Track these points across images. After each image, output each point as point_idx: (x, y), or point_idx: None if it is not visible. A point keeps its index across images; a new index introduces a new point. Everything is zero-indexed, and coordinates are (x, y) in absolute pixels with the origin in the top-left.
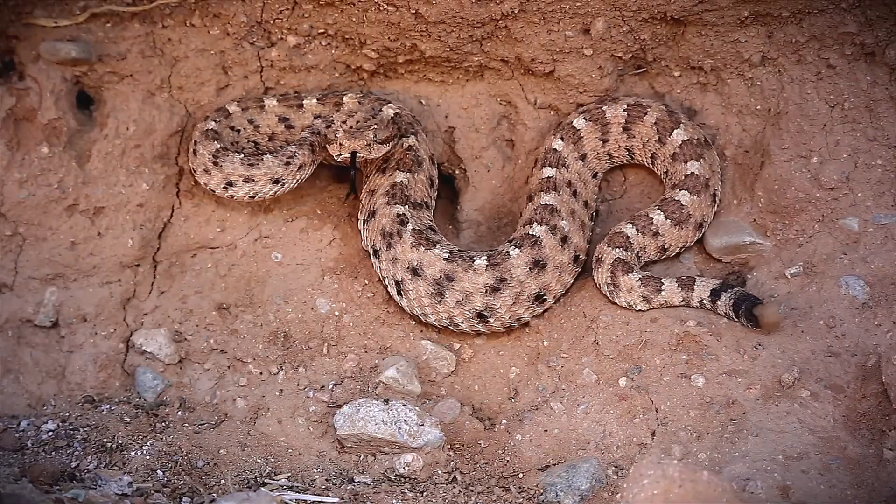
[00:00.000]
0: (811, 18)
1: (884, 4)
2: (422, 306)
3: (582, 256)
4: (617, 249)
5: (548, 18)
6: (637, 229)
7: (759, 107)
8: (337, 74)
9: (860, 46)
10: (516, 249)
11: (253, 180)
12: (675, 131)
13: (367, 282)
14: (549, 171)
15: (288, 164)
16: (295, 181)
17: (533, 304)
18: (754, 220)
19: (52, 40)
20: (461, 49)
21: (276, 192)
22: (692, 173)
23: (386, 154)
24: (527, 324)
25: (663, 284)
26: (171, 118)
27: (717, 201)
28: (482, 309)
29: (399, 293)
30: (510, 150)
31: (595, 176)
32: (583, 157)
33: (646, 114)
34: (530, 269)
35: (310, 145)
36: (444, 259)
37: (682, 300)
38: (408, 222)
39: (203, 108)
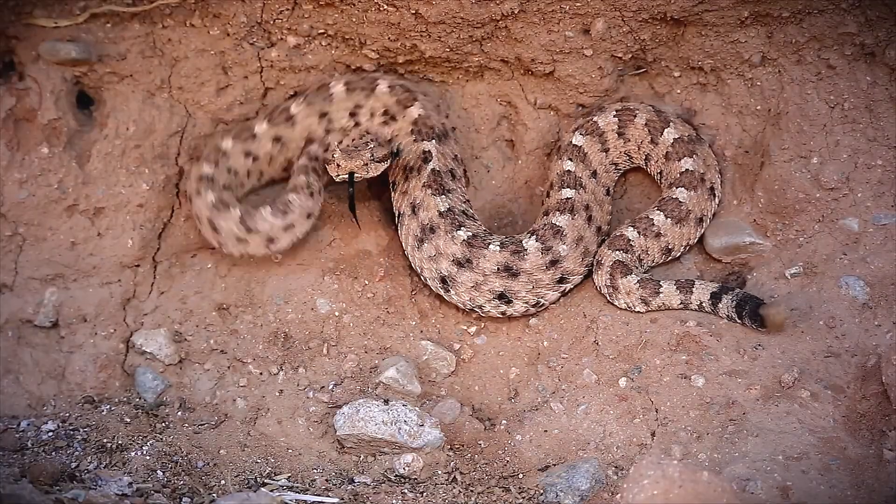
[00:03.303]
0: (811, 19)
1: (884, 4)
2: (412, 253)
3: (571, 278)
4: (617, 252)
5: (548, 19)
6: (638, 232)
7: (759, 107)
8: (337, 75)
9: (860, 47)
10: (496, 247)
11: (293, 226)
12: (666, 130)
13: (367, 282)
14: (568, 192)
15: (312, 195)
16: (319, 208)
17: (495, 298)
18: (754, 220)
19: (52, 40)
20: (461, 49)
21: (310, 226)
22: (687, 170)
23: (384, 171)
24: (527, 324)
25: (661, 287)
26: (171, 118)
27: (716, 195)
28: (445, 275)
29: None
30: (510, 151)
31: (608, 193)
32: (594, 174)
33: (635, 116)
34: (498, 270)
35: (314, 171)
36: (439, 213)
37: (681, 303)
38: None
39: (203, 109)
